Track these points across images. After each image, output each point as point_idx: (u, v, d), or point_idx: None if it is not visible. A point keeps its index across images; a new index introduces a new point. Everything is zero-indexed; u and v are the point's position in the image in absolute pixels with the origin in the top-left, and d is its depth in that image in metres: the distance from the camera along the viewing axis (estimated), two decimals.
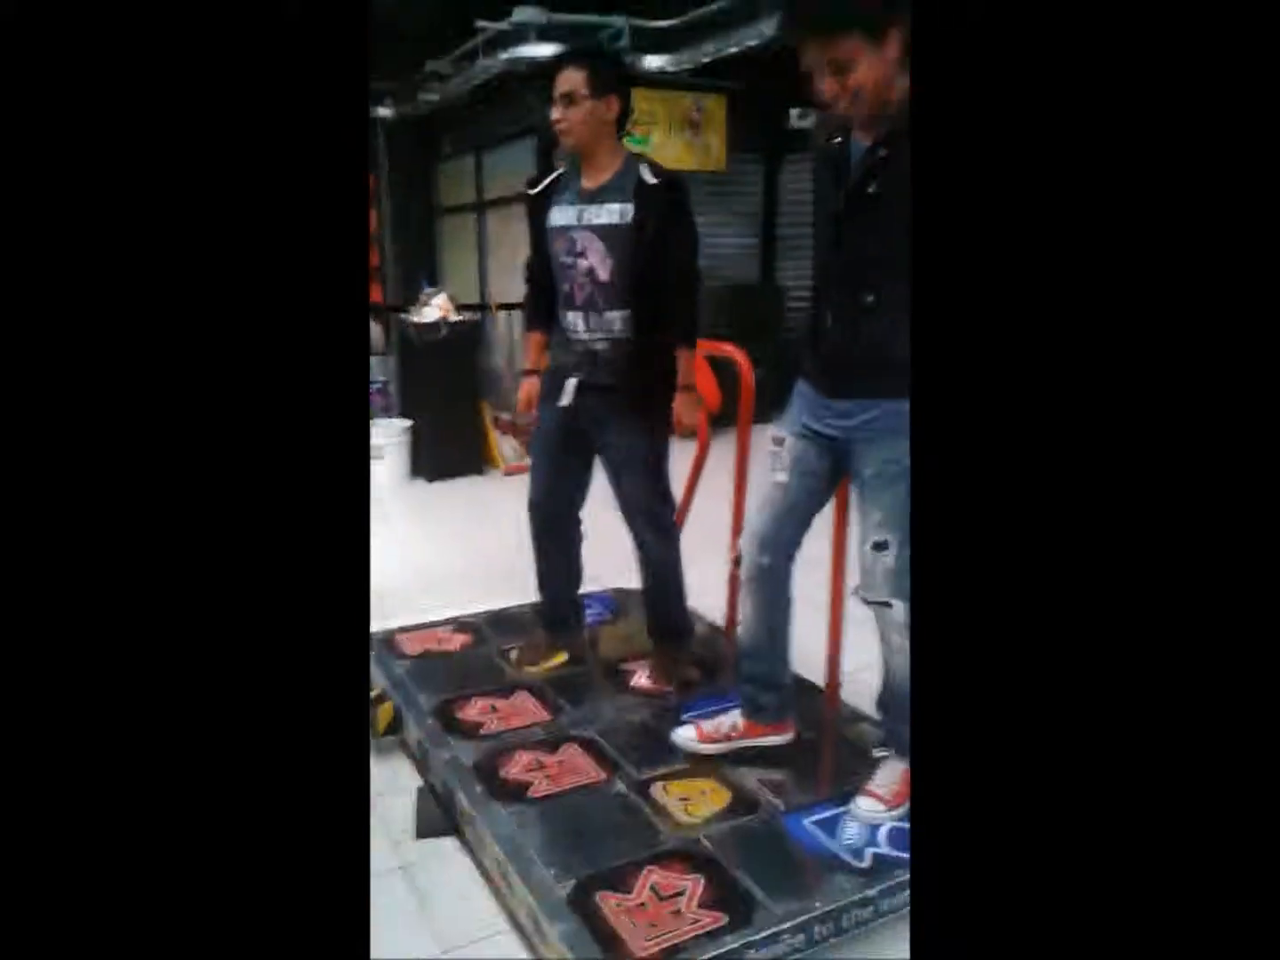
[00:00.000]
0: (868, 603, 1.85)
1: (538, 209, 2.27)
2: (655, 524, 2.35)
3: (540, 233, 2.27)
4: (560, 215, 2.22)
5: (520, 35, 6.03)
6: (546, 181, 2.27)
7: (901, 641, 1.83)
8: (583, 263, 2.18)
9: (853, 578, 2.27)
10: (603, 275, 2.17)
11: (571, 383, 2.25)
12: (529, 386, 2.43)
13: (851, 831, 1.80)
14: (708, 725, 2.09)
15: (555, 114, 2.14)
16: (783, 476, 1.86)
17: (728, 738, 2.07)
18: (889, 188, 1.61)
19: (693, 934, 1.53)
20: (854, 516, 1.81)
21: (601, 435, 2.29)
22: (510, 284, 7.06)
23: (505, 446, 5.58)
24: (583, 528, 2.53)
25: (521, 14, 5.90)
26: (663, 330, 2.19)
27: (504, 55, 6.09)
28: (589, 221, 2.17)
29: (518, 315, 6.33)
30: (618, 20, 6.06)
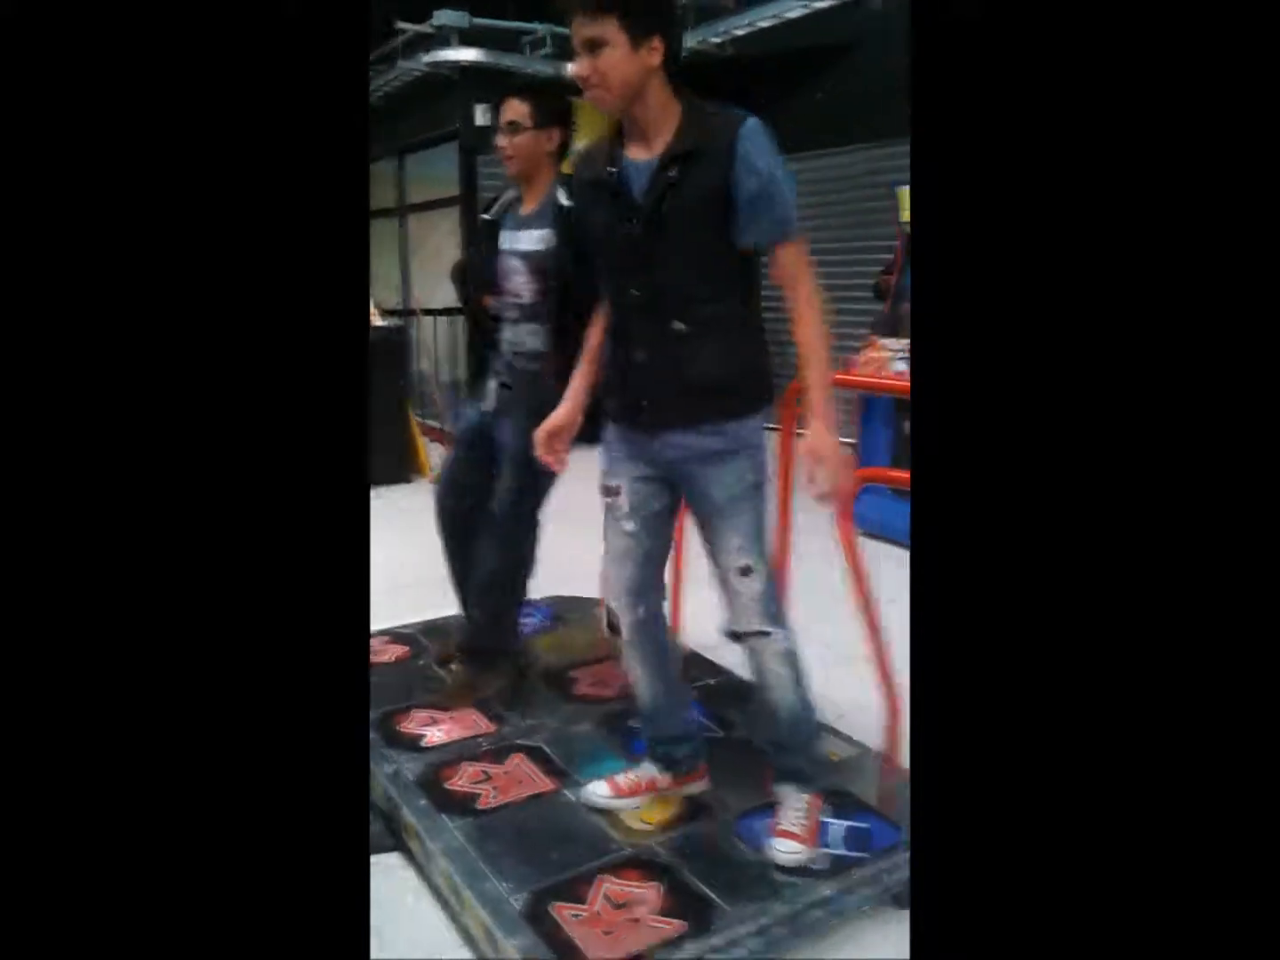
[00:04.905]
0: (741, 637, 1.74)
1: (491, 232, 2.33)
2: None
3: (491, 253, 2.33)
4: (504, 239, 2.28)
5: (442, 38, 5.97)
6: (497, 206, 2.35)
7: (786, 672, 1.74)
8: (509, 284, 2.25)
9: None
10: (525, 298, 2.23)
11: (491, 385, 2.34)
12: None
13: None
14: (622, 780, 1.94)
15: (500, 141, 2.21)
16: (629, 525, 1.77)
17: (648, 789, 1.93)
18: (682, 211, 1.57)
19: (653, 942, 1.51)
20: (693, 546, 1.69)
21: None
22: (434, 289, 6.97)
23: (433, 454, 5.49)
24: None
25: (442, 17, 5.85)
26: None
27: (425, 58, 6.01)
28: (514, 247, 2.23)
29: (443, 321, 6.25)
30: (540, 27, 6.05)
